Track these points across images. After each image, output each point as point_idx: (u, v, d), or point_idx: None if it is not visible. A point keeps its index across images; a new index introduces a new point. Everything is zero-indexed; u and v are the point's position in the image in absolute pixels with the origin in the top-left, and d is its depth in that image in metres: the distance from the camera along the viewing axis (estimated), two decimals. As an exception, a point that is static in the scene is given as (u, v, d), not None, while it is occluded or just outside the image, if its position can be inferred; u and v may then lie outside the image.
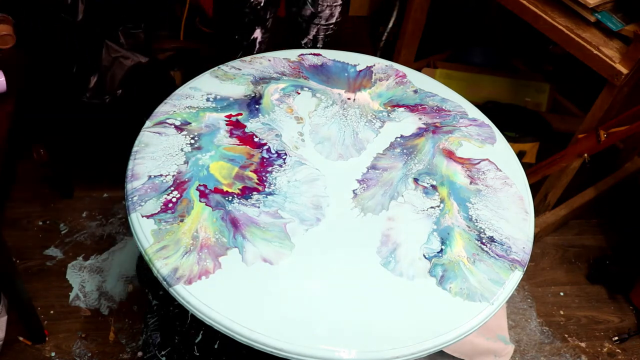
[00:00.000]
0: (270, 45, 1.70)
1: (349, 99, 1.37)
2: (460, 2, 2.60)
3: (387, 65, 1.47)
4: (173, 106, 1.26)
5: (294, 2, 1.67)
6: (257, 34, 1.62)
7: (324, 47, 1.71)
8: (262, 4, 1.57)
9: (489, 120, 1.37)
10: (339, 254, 1.04)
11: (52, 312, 1.65)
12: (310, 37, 1.68)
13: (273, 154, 1.19)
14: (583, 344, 1.80)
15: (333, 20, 1.66)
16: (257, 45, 1.65)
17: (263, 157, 1.18)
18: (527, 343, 1.78)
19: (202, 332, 1.30)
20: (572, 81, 2.44)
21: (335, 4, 1.64)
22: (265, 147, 1.20)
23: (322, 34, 1.68)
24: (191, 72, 2.13)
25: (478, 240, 1.09)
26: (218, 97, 1.30)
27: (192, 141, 1.18)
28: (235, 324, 0.91)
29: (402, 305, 0.99)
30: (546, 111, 2.36)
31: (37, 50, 1.53)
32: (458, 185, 1.19)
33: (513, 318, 1.83)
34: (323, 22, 1.66)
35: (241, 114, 1.27)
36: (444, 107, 1.38)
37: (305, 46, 1.71)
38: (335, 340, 0.92)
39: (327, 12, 1.65)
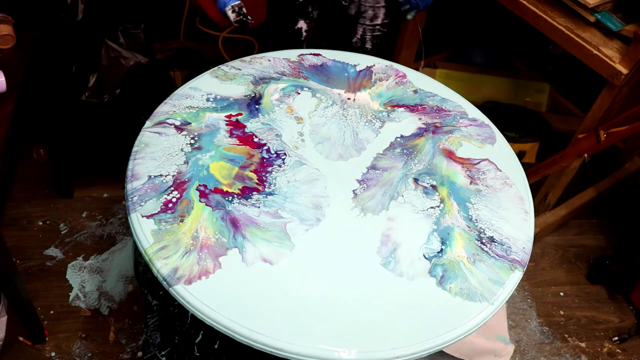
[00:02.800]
0: (323, 35, 1.74)
1: (349, 99, 1.37)
2: (460, 2, 2.60)
3: (387, 65, 1.47)
4: (173, 106, 1.26)
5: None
6: (302, 24, 1.67)
7: (373, 48, 1.75)
8: (300, 0, 1.62)
9: (489, 120, 1.37)
10: (339, 254, 1.04)
11: (52, 312, 1.65)
12: (358, 36, 1.72)
13: (273, 154, 1.19)
14: (583, 344, 1.80)
15: (378, 21, 1.69)
16: (304, 34, 1.70)
17: (263, 157, 1.18)
18: (527, 343, 1.78)
19: (202, 332, 1.29)
20: (572, 81, 2.44)
21: (377, 4, 1.67)
22: (265, 147, 1.20)
23: (369, 34, 1.71)
24: (193, 72, 2.14)
25: (478, 241, 1.09)
26: (218, 97, 1.30)
27: (192, 141, 1.18)
28: (235, 324, 0.91)
29: (402, 305, 0.99)
30: (546, 111, 2.36)
31: (37, 50, 1.53)
32: (458, 185, 1.19)
33: (513, 318, 1.83)
34: (368, 22, 1.69)
35: (241, 114, 1.27)
36: (444, 107, 1.38)
37: (355, 45, 1.75)
38: (335, 340, 0.92)
39: (371, 12, 1.68)
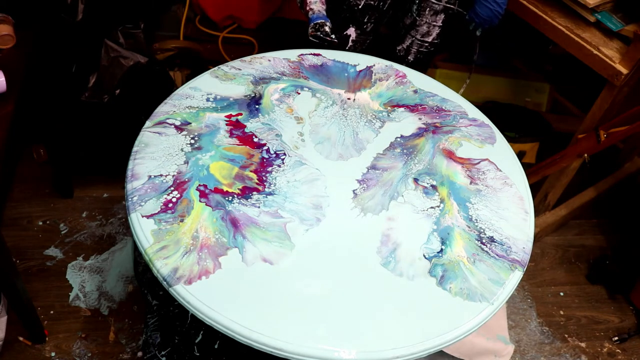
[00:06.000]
0: (370, 48, 1.75)
1: (349, 99, 1.37)
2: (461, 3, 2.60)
3: (387, 65, 1.47)
4: (173, 106, 1.26)
5: (401, 7, 1.72)
6: (351, 31, 1.68)
7: (414, 62, 1.76)
8: (359, 7, 1.63)
9: (489, 120, 1.37)
10: (339, 254, 1.04)
11: (52, 312, 1.65)
12: (404, 46, 1.73)
13: (272, 154, 1.19)
14: (583, 344, 1.80)
15: (429, 39, 1.71)
16: (350, 43, 1.71)
17: (263, 157, 1.18)
18: (527, 343, 1.78)
19: (202, 332, 1.29)
20: (572, 81, 2.44)
21: (434, 23, 1.68)
22: (265, 147, 1.20)
23: (416, 48, 1.73)
24: (193, 72, 2.14)
25: (478, 240, 1.09)
26: (218, 97, 1.30)
27: (192, 141, 1.18)
28: (235, 324, 0.91)
29: (402, 305, 0.99)
30: (546, 111, 2.36)
31: (37, 50, 1.54)
32: (458, 185, 1.19)
33: (513, 318, 1.83)
34: (418, 36, 1.70)
35: (241, 114, 1.27)
36: (444, 107, 1.38)
37: (399, 53, 1.77)
38: (335, 340, 0.92)
39: (425, 28, 1.69)
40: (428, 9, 1.66)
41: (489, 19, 1.64)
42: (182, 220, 1.03)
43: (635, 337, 1.83)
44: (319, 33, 1.52)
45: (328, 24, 1.54)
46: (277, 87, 1.35)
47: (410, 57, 1.75)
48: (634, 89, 1.68)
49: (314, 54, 1.46)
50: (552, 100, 2.39)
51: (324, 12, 1.57)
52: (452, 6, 1.65)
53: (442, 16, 1.67)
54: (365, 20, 1.65)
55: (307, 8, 1.57)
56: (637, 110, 1.64)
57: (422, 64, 1.79)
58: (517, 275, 1.05)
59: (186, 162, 1.13)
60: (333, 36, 1.53)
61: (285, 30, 2.61)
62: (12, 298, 1.45)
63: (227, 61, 1.42)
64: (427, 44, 1.72)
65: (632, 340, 1.83)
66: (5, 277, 1.37)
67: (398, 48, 1.75)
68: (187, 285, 0.95)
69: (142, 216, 1.03)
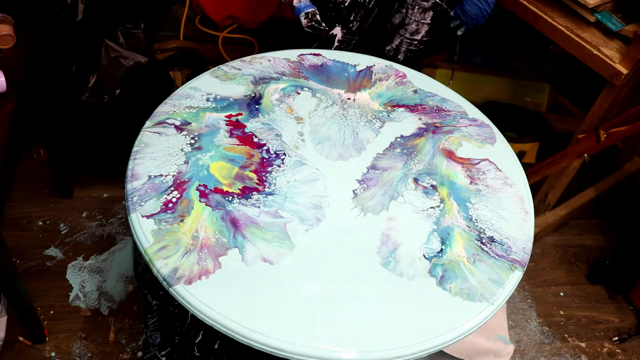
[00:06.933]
0: (358, 48, 1.74)
1: (349, 99, 1.37)
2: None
3: (387, 65, 1.47)
4: (173, 106, 1.26)
5: (389, 7, 1.72)
6: (337, 31, 1.68)
7: (404, 61, 1.76)
8: (346, 4, 1.63)
9: (489, 120, 1.37)
10: (339, 254, 1.04)
11: (52, 312, 1.65)
12: (394, 45, 1.73)
13: (272, 154, 1.19)
14: (583, 344, 1.80)
15: (418, 37, 1.71)
16: (335, 43, 1.70)
17: (263, 157, 1.18)
18: (527, 343, 1.78)
19: (202, 332, 1.29)
20: (572, 81, 2.44)
21: (422, 21, 1.68)
22: (265, 147, 1.20)
23: (405, 47, 1.73)
24: (193, 72, 2.14)
25: (478, 240, 1.09)
26: (218, 97, 1.30)
27: (192, 141, 1.18)
28: (235, 324, 0.91)
29: (402, 305, 0.99)
30: (546, 111, 2.36)
31: (37, 50, 1.54)
32: (458, 185, 1.19)
33: (513, 318, 1.83)
34: (407, 35, 1.70)
35: (241, 114, 1.27)
36: (444, 107, 1.38)
37: (388, 53, 1.76)
38: (335, 340, 0.92)
39: (414, 26, 1.69)
40: (417, 7, 1.66)
41: (476, 18, 1.64)
42: (182, 220, 1.03)
43: (635, 337, 1.83)
44: (313, 23, 1.52)
45: (317, 12, 1.54)
46: (277, 87, 1.35)
47: (400, 56, 1.75)
48: (634, 89, 1.68)
49: (314, 54, 1.46)
50: (552, 100, 2.39)
51: (309, 0, 1.56)
52: (440, 2, 1.65)
53: (431, 13, 1.67)
54: (351, 18, 1.65)
55: None
56: (637, 110, 1.64)
57: (412, 63, 1.78)
58: (517, 275, 1.05)
59: (186, 162, 1.13)
60: (324, 24, 1.53)
61: (285, 30, 2.61)
62: (12, 298, 1.45)
63: (227, 61, 1.41)
64: (416, 42, 1.72)
65: (632, 340, 1.83)
66: (5, 277, 1.37)
67: (387, 48, 1.75)
68: (187, 285, 0.95)
69: (142, 216, 1.03)
